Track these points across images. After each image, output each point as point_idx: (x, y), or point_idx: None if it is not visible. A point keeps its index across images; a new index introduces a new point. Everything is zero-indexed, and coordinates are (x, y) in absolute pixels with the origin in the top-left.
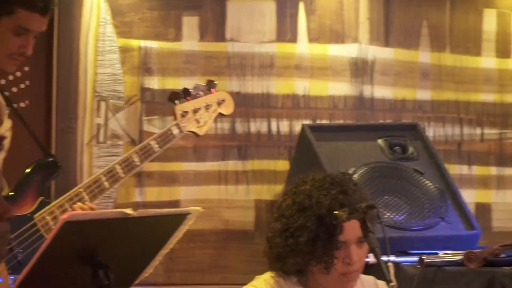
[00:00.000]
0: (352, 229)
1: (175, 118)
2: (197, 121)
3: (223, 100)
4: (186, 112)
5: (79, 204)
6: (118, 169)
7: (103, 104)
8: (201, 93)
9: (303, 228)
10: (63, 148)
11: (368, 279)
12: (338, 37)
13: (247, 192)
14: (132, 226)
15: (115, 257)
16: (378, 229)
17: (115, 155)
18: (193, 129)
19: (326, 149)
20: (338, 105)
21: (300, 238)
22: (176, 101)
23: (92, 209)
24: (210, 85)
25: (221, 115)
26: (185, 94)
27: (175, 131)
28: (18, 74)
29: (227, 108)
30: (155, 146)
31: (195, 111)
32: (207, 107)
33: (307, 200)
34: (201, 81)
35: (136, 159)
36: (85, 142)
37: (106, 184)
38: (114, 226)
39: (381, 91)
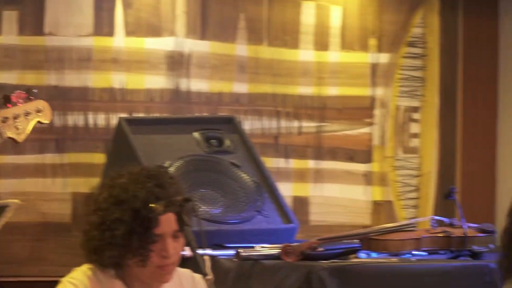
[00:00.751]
0: (168, 222)
1: None
2: (17, 128)
3: (42, 109)
4: (6, 118)
5: None
6: None
7: None
8: (21, 100)
9: (119, 222)
10: None
11: (185, 272)
12: (155, 31)
13: (64, 185)
14: None
15: None
16: (194, 222)
17: None
18: (13, 136)
19: (142, 142)
20: (155, 98)
21: (116, 231)
22: None
23: None
24: (30, 94)
25: (39, 123)
26: (6, 101)
27: None
28: None
29: (46, 117)
30: None
31: (15, 117)
32: (26, 114)
33: (123, 193)
34: (20, 76)
35: None
36: None
37: None
38: None
39: (198, 84)
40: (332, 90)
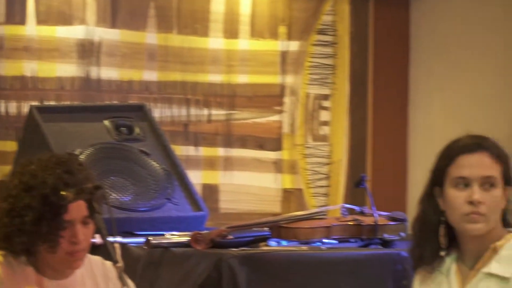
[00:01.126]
0: (77, 208)
1: None
2: None
3: None
4: None
5: None
6: None
7: None
8: None
9: (29, 208)
10: None
11: (96, 259)
12: (66, 19)
13: None
14: None
15: None
16: (105, 209)
17: None
18: None
19: (53, 130)
20: (65, 87)
21: (26, 218)
22: None
23: None
24: None
25: None
26: None
27: None
28: None
29: None
30: None
31: None
32: None
33: (32, 179)
34: None
35: None
36: None
37: None
38: None
39: (108, 72)
40: (242, 78)
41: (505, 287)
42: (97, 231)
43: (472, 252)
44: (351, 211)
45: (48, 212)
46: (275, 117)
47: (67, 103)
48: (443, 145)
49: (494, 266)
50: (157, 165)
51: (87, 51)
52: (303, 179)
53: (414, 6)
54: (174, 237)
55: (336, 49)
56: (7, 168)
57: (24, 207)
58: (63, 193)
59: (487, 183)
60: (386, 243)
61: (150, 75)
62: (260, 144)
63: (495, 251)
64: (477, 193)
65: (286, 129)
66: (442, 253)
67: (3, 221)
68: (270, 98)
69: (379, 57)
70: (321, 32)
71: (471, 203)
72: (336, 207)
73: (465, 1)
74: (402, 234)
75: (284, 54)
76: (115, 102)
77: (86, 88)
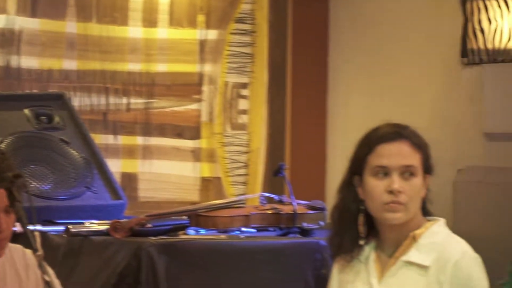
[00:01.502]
0: None
1: None
2: None
3: None
4: None
5: None
6: None
7: None
8: None
9: None
10: None
11: (16, 248)
12: None
13: None
14: None
15: None
16: (25, 198)
17: None
18: None
19: None
20: None
21: None
22: None
23: None
24: None
25: None
26: None
27: None
28: None
29: None
30: None
31: None
32: None
33: None
34: None
35: None
36: None
37: None
38: None
39: (28, 61)
40: (160, 67)
41: (424, 275)
42: (17, 219)
43: (391, 241)
44: (269, 200)
45: None
46: (194, 106)
47: None
48: (362, 134)
49: (414, 255)
50: (77, 153)
51: (7, 40)
52: (222, 168)
53: None
54: (94, 225)
55: (255, 38)
56: None
57: None
58: None
59: (406, 172)
60: (305, 232)
61: (70, 64)
62: (179, 132)
63: (414, 239)
64: (396, 182)
65: (204, 117)
66: (361, 242)
67: None
68: (189, 86)
69: (298, 46)
70: (240, 20)
71: (390, 192)
72: (255, 195)
73: None
74: (321, 223)
75: (202, 43)
76: (35, 91)
77: (6, 77)
